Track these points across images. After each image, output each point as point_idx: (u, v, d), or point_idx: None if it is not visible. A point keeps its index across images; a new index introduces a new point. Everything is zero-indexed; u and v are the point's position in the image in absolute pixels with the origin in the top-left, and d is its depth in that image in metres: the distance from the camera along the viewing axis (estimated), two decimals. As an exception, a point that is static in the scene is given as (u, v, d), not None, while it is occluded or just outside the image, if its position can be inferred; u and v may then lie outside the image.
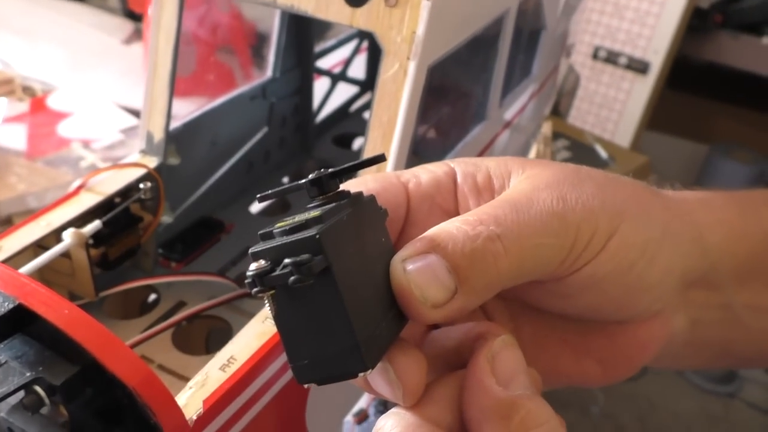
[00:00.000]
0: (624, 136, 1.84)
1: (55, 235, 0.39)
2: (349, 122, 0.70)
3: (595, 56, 1.83)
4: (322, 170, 0.22)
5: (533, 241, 0.22)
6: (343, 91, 0.71)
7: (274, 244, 0.20)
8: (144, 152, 0.46)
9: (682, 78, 1.97)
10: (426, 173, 0.27)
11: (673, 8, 1.68)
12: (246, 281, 0.20)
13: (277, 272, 0.19)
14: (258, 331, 0.34)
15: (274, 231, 0.21)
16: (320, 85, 0.65)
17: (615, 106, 1.85)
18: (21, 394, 0.31)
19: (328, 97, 0.66)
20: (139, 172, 0.44)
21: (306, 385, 0.21)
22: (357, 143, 0.71)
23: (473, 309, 0.23)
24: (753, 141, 2.22)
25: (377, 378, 0.22)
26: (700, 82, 2.17)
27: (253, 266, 0.20)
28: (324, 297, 0.20)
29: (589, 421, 2.18)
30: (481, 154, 0.54)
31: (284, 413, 0.37)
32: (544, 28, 0.61)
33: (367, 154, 0.39)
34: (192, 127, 0.50)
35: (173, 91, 0.45)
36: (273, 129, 0.59)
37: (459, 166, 0.27)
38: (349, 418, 0.68)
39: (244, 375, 0.32)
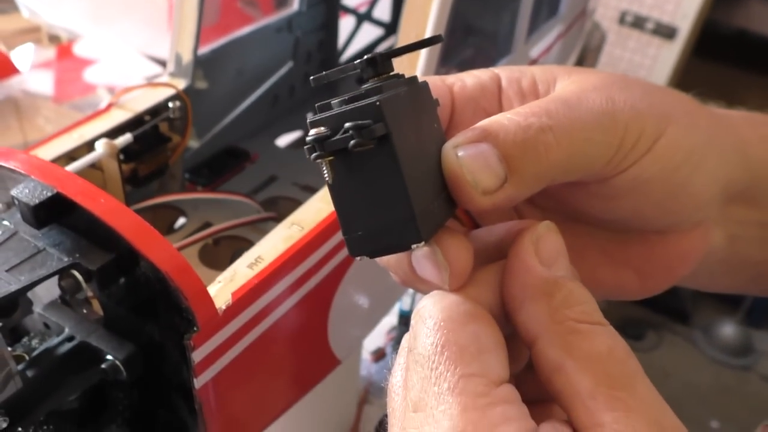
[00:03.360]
0: (648, 103, 1.81)
1: (87, 147, 0.40)
2: (373, 64, 0.70)
3: (621, 21, 1.80)
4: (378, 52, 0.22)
5: (583, 135, 0.22)
6: (368, 33, 0.71)
7: (334, 112, 0.20)
8: (173, 74, 0.47)
9: (709, 45, 1.93)
10: (471, 77, 0.26)
11: (704, -29, 1.64)
12: (305, 146, 0.20)
13: (338, 137, 0.19)
14: (285, 234, 0.35)
15: (333, 102, 0.20)
16: (345, 24, 0.65)
17: (640, 73, 1.82)
18: (56, 291, 0.32)
19: (353, 37, 0.66)
20: (168, 92, 0.45)
21: (358, 258, 0.21)
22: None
23: (522, 200, 0.23)
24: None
25: (423, 260, 0.22)
26: (729, 50, 2.12)
27: (312, 132, 0.19)
28: (382, 165, 0.19)
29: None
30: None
31: (308, 320, 0.38)
32: (572, -35, 0.60)
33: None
34: (219, 53, 0.50)
35: (202, 13, 0.45)
36: (298, 63, 0.59)
37: (504, 71, 0.26)
38: (366, 356, 0.70)
39: (271, 274, 0.32)
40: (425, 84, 0.23)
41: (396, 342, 0.67)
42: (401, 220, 0.20)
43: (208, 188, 0.50)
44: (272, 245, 0.34)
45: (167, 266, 0.28)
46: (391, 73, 0.22)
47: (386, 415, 0.22)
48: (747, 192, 0.27)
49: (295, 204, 0.50)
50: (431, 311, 0.21)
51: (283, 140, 0.59)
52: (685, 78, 1.85)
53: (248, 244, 0.46)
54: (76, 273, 0.30)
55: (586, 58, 1.07)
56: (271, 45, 0.56)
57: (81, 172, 0.39)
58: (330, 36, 0.62)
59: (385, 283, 0.47)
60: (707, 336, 2.36)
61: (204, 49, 0.49)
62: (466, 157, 0.21)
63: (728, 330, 2.31)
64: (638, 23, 1.78)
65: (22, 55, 0.99)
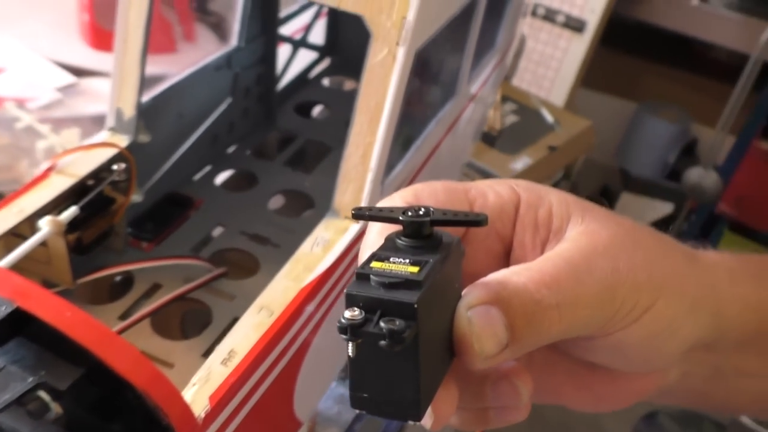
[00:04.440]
0: (560, 94, 1.88)
1: (29, 222, 0.38)
2: (309, 89, 0.69)
3: (533, 14, 1.84)
4: (421, 212, 0.23)
5: (585, 312, 0.24)
6: (302, 58, 0.69)
7: (371, 295, 0.21)
8: (113, 130, 0.44)
9: (615, 37, 2.01)
10: (493, 195, 0.28)
11: (611, -32, 1.71)
12: (338, 326, 0.21)
13: (370, 329, 0.20)
14: (255, 322, 0.34)
15: (372, 276, 0.21)
16: (280, 52, 0.64)
17: (552, 64, 1.88)
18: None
19: (289, 65, 0.65)
20: (109, 151, 0.43)
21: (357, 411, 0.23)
22: (316, 111, 0.70)
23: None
24: (680, 100, 2.31)
25: None
26: (632, 42, 2.23)
27: (347, 314, 0.21)
28: (403, 356, 0.21)
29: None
30: (449, 128, 0.55)
31: (277, 396, 0.37)
32: (509, 0, 0.61)
33: (353, 138, 0.39)
34: (160, 100, 0.48)
35: (145, 66, 0.43)
36: (237, 99, 0.57)
37: (524, 194, 0.28)
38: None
39: (247, 368, 0.32)
40: (458, 241, 0.24)
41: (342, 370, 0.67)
42: (406, 401, 0.22)
43: (154, 242, 0.48)
44: (243, 335, 0.33)
45: (142, 381, 0.27)
46: (430, 234, 0.23)
47: None
48: (711, 343, 0.29)
49: (246, 256, 0.49)
50: None
51: (223, 178, 0.57)
52: (592, 68, 1.93)
53: (198, 304, 0.45)
54: (43, 393, 0.28)
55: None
56: (210, 84, 0.54)
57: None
58: (268, 68, 0.60)
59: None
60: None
61: (145, 98, 0.46)
62: (476, 323, 0.23)
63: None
64: (549, 16, 1.84)
65: None
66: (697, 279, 0.28)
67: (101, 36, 0.96)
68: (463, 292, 0.24)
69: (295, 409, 0.40)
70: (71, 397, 0.28)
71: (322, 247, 0.39)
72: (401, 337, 0.20)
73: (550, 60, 1.89)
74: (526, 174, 0.91)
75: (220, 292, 0.45)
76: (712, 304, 0.28)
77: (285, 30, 0.64)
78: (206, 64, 0.52)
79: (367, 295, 0.21)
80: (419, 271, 0.21)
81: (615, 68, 2.29)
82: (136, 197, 0.47)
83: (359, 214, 0.24)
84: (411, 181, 0.49)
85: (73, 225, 0.40)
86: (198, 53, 0.58)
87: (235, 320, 0.43)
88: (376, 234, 0.25)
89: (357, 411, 0.53)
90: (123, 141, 0.44)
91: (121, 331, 0.40)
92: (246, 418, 0.33)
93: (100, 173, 0.42)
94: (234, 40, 0.55)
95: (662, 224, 1.93)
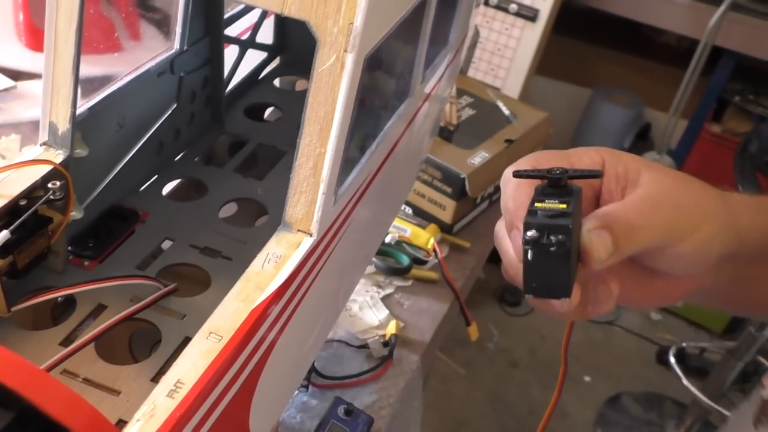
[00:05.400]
0: (515, 82, 1.88)
1: (-45, 249, 0.35)
2: (259, 90, 0.67)
3: (486, 3, 1.84)
4: (558, 171, 0.36)
5: (658, 231, 0.37)
6: (251, 58, 0.67)
7: (542, 222, 0.34)
8: (47, 145, 0.42)
9: (568, 24, 2.02)
10: (586, 158, 0.41)
11: (561, -44, 1.71)
12: (523, 240, 0.34)
13: (544, 241, 0.34)
14: (203, 348, 0.32)
15: (539, 211, 0.34)
16: (227, 53, 0.61)
17: (506, 53, 1.88)
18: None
19: (237, 66, 0.62)
20: (44, 168, 0.40)
21: (527, 296, 0.36)
22: (268, 113, 0.68)
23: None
24: (633, 85, 2.34)
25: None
26: (585, 29, 2.24)
27: (529, 233, 0.34)
28: (561, 256, 0.34)
29: (485, 355, 2.27)
30: (405, 129, 0.54)
31: (230, 423, 0.35)
32: (460, -3, 0.60)
33: (303, 150, 0.38)
34: (98, 110, 0.46)
35: (78, 76, 0.40)
36: (182, 104, 0.55)
37: (606, 156, 0.41)
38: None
39: (195, 399, 0.30)
40: (580, 189, 0.37)
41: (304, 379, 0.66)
42: (562, 286, 0.35)
43: (97, 260, 0.45)
44: (191, 364, 0.31)
45: (83, 427, 0.25)
46: (566, 185, 0.36)
47: None
48: (733, 256, 0.41)
49: (197, 271, 0.47)
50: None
51: (171, 187, 0.55)
52: (546, 56, 1.94)
53: (146, 324, 0.43)
54: (-29, 443, 0.26)
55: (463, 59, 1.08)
56: (153, 90, 0.51)
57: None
58: (215, 71, 0.58)
59: (301, 356, 0.46)
60: (574, 296, 2.52)
61: (81, 108, 0.44)
62: (594, 240, 0.36)
63: (592, 289, 2.48)
64: (502, 6, 1.83)
65: None
66: (726, 210, 0.41)
67: (39, 36, 0.91)
68: (582, 220, 0.36)
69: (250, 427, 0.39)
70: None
71: (273, 263, 0.37)
72: (564, 245, 0.33)
73: (504, 49, 1.89)
74: (483, 169, 0.90)
75: (170, 310, 0.43)
76: (735, 227, 0.41)
77: (232, 30, 0.62)
78: (147, 70, 0.50)
79: (539, 222, 0.34)
80: (567, 207, 0.34)
81: (569, 55, 2.31)
82: (75, 214, 0.44)
83: (521, 174, 0.37)
84: (368, 185, 0.48)
85: (5, 248, 0.37)
86: (144, 52, 0.55)
87: (186, 340, 0.41)
88: (514, 187, 0.39)
89: (319, 420, 0.60)
90: (58, 156, 0.41)
91: (62, 359, 0.37)
92: (197, 450, 0.32)
93: (33, 192, 0.39)
94: (176, 44, 0.53)
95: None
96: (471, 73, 1.94)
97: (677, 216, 0.38)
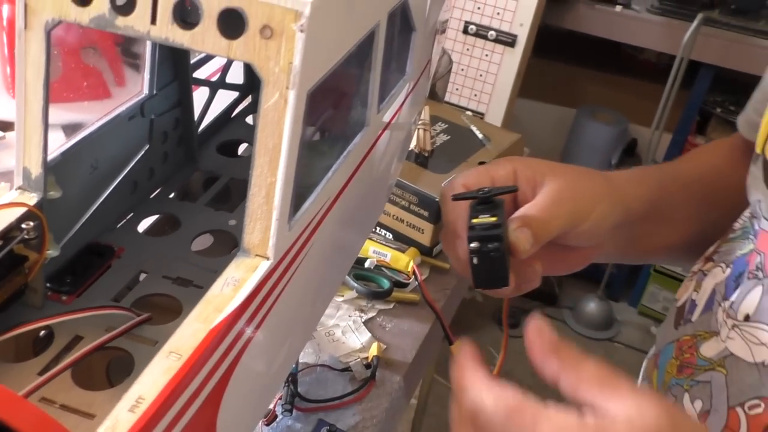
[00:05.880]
0: (498, 107, 1.92)
1: (-65, 289, 0.38)
2: (232, 128, 0.70)
3: (465, 31, 1.89)
4: (486, 190, 0.49)
5: (564, 220, 0.50)
6: (224, 96, 0.71)
7: (481, 234, 0.46)
8: (22, 188, 0.45)
9: (547, 47, 2.07)
10: (502, 170, 0.53)
11: (534, -17, 1.76)
12: (469, 252, 0.47)
13: (484, 249, 0.46)
14: (164, 366, 0.35)
15: (476, 227, 0.47)
16: (199, 94, 0.65)
17: (488, 79, 1.93)
18: None
19: (209, 106, 0.66)
20: (18, 210, 0.43)
21: (478, 289, 0.49)
22: (241, 148, 0.71)
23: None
24: (616, 102, 2.39)
25: None
26: (564, 50, 2.29)
27: (473, 245, 0.46)
28: (498, 259, 0.47)
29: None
30: (365, 157, 0.57)
31: (196, 439, 0.38)
32: (414, 30, 0.63)
33: (255, 180, 0.41)
34: (70, 155, 0.49)
35: (48, 124, 0.44)
36: (155, 145, 0.58)
37: (517, 164, 0.53)
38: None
39: (155, 413, 0.33)
40: (503, 202, 0.49)
41: (286, 402, 0.68)
42: (501, 278, 0.48)
43: (74, 295, 0.48)
44: (152, 381, 0.34)
45: (46, 440, 0.28)
46: (493, 201, 0.49)
47: None
48: (625, 222, 0.56)
49: (170, 300, 0.50)
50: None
51: (147, 223, 0.58)
52: (528, 79, 1.98)
53: (123, 352, 0.45)
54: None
55: (435, 86, 1.12)
56: (124, 133, 0.55)
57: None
58: (186, 112, 0.61)
59: (270, 375, 0.48)
60: (575, 314, 2.54)
61: (53, 154, 0.47)
62: (519, 236, 0.48)
63: (592, 306, 2.50)
64: (481, 33, 1.88)
65: None
66: (613, 190, 0.55)
67: (26, 88, 0.95)
68: (507, 221, 0.48)
69: (219, 446, 0.41)
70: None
71: (232, 287, 0.40)
72: (499, 249, 0.46)
73: (486, 75, 1.93)
74: (457, 191, 0.93)
75: (143, 338, 0.46)
76: (622, 202, 0.55)
77: (203, 72, 0.66)
78: (118, 114, 0.53)
79: (479, 234, 0.46)
80: (497, 219, 0.47)
81: (552, 77, 2.36)
82: (52, 252, 0.47)
83: (458, 197, 0.50)
84: (327, 210, 0.51)
85: (-17, 287, 0.40)
86: (129, 96, 0.59)
87: (158, 366, 0.44)
88: (451, 204, 0.51)
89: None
90: (32, 199, 0.44)
91: (40, 386, 0.40)
92: (161, 463, 0.34)
93: (9, 233, 0.42)
94: (145, 89, 0.56)
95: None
96: (455, 99, 1.98)
97: (576, 204, 0.51)
